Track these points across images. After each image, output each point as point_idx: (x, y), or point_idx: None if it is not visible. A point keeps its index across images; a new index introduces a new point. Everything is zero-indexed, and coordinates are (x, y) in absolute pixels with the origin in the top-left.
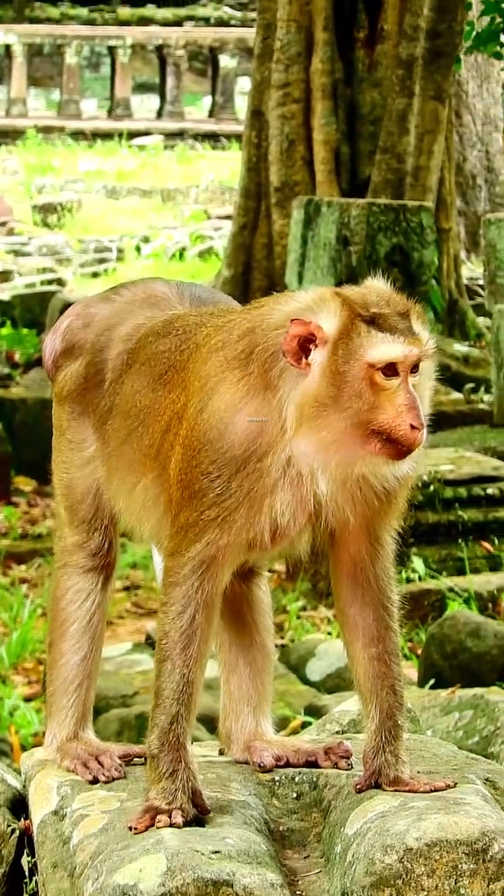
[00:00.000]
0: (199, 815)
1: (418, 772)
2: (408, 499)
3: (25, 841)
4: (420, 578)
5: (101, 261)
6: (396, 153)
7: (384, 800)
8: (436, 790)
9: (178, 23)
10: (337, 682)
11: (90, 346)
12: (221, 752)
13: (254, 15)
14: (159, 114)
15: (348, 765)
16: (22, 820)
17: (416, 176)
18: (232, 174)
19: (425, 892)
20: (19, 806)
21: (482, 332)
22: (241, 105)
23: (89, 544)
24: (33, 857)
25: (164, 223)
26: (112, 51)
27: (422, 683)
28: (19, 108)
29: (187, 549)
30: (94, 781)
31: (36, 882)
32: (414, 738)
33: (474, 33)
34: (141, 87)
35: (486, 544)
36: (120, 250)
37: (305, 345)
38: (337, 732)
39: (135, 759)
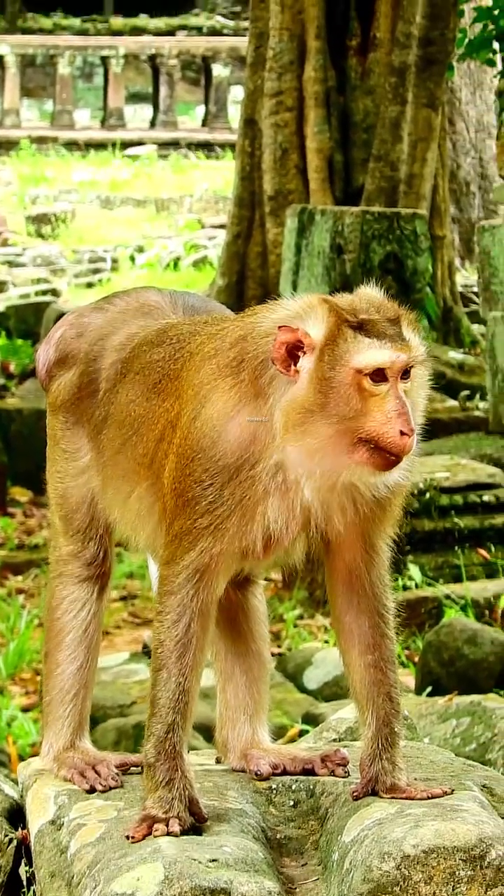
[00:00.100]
0: (196, 824)
1: (415, 779)
2: (403, 506)
3: (23, 851)
4: (416, 586)
5: (96, 271)
6: (390, 161)
7: (381, 807)
8: (433, 797)
9: (170, 32)
10: (334, 691)
11: (84, 356)
12: (218, 761)
13: (246, 24)
14: (152, 123)
15: (345, 772)
16: (19, 830)
17: (409, 183)
18: (226, 183)
19: None
20: (17, 816)
21: (477, 340)
22: (235, 114)
23: (84, 554)
24: (31, 866)
25: (158, 233)
26: (105, 61)
27: (419, 691)
28: (12, 119)
29: (181, 557)
30: (91, 791)
31: (34, 892)
32: (411, 745)
33: (467, 40)
34: (134, 97)
35: (483, 551)
36: (114, 260)
37: (294, 352)
38: (334, 740)
39: (132, 769)
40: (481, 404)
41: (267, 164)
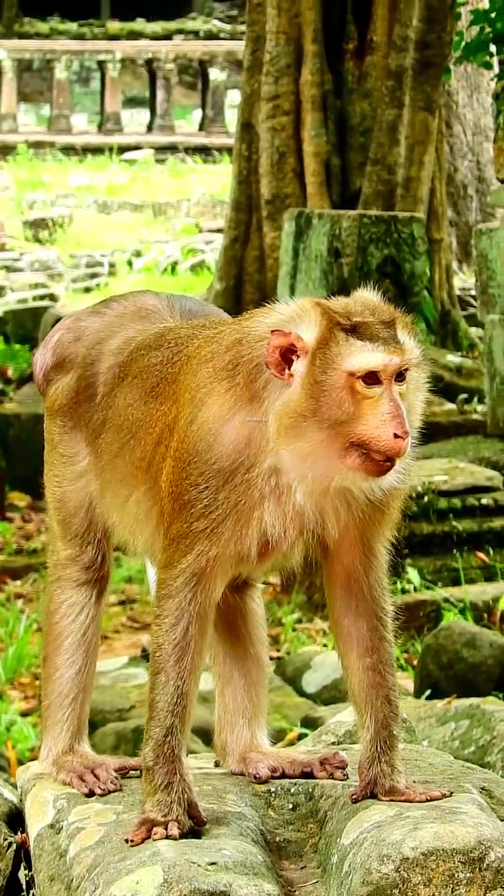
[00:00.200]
0: (195, 827)
1: (414, 781)
2: (401, 509)
3: (22, 854)
4: (415, 589)
5: (93, 275)
6: (387, 164)
7: (380, 810)
8: (432, 799)
9: (167, 36)
10: (333, 694)
11: (81, 360)
12: (217, 764)
13: (243, 28)
14: (149, 128)
15: (344, 775)
16: (18, 833)
17: (406, 187)
18: (223, 187)
19: None
20: (16, 819)
21: (475, 343)
22: (232, 118)
23: (82, 558)
24: (30, 870)
25: (155, 237)
26: (102, 65)
27: (418, 694)
28: (9, 124)
29: (179, 560)
30: (90, 794)
31: (33, 895)
32: (409, 748)
33: (464, 43)
34: (131, 102)
35: (481, 554)
36: (112, 265)
37: (288, 355)
38: (333, 743)
39: (130, 772)
40: (479, 407)
41: (264, 168)
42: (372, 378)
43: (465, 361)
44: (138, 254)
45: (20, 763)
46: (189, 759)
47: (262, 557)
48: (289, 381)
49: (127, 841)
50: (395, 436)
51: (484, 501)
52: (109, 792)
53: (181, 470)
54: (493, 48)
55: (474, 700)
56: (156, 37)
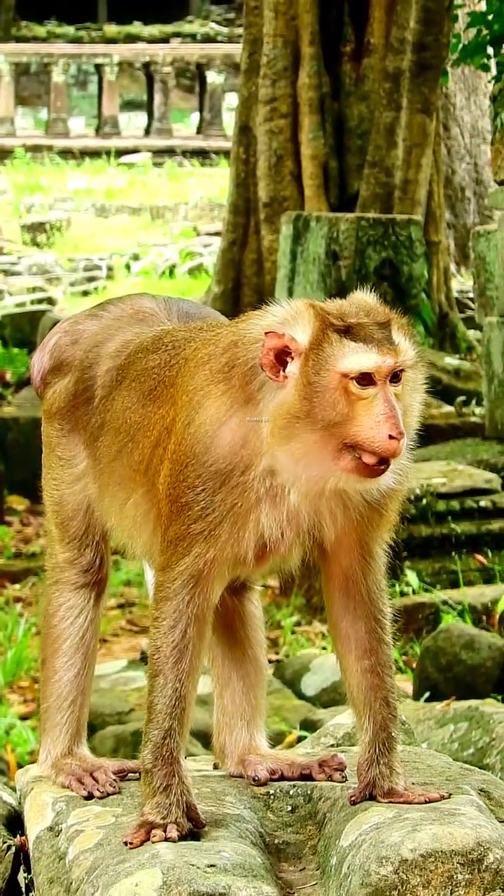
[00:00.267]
0: (194, 829)
1: (413, 783)
2: (399, 512)
3: (21, 857)
4: (414, 592)
5: (91, 279)
6: (385, 167)
7: (379, 811)
8: (430, 801)
9: (164, 40)
10: (332, 697)
11: (79, 363)
12: (216, 767)
13: (240, 31)
14: (147, 131)
15: (342, 777)
16: (18, 836)
17: (404, 189)
18: (221, 190)
19: None
20: (15, 822)
21: (473, 345)
22: (229, 121)
23: (81, 561)
24: (29, 873)
25: (153, 241)
26: (99, 69)
27: (417, 696)
28: (7, 128)
29: (177, 563)
30: (89, 797)
31: None
32: (408, 750)
33: (461, 45)
34: (128, 105)
35: (480, 557)
36: (110, 268)
37: (282, 357)
38: (331, 745)
39: (129, 775)
40: (478, 410)
41: (262, 171)
42: (366, 379)
43: (463, 364)
44: (136, 257)
45: (20, 766)
46: (188, 762)
47: (260, 560)
48: (283, 383)
49: (126, 843)
50: (390, 437)
51: (482, 504)
52: (108, 794)
53: (178, 472)
54: (490, 50)
55: (473, 702)
56: (153, 40)
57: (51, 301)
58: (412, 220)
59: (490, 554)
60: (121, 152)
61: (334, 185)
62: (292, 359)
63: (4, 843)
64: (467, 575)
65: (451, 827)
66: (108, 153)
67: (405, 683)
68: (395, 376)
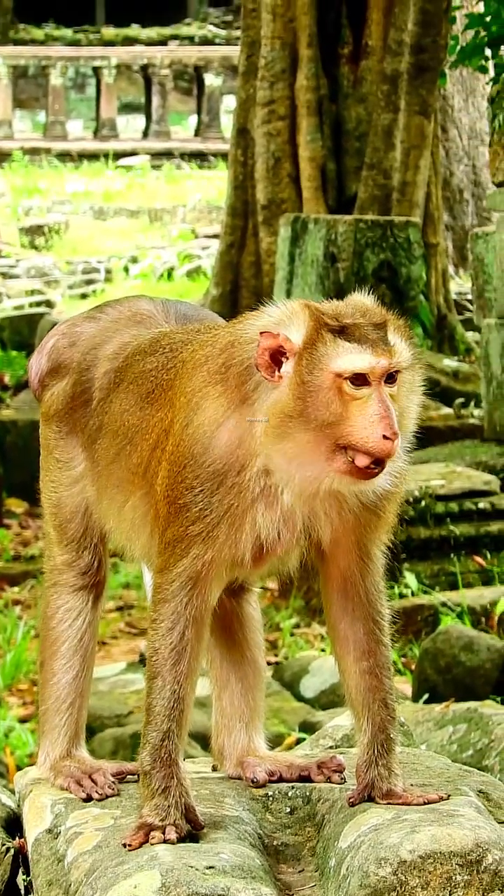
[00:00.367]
0: (192, 831)
1: (411, 784)
2: (397, 513)
3: (20, 859)
4: (413, 594)
5: (90, 282)
6: (383, 169)
7: (378, 813)
8: (429, 802)
9: (162, 42)
10: (331, 699)
11: (76, 365)
12: (215, 769)
13: (238, 33)
14: (145, 134)
15: (341, 779)
16: (17, 839)
17: (402, 191)
18: (219, 193)
19: None
20: (14, 825)
21: (471, 347)
22: (227, 123)
23: (79, 563)
24: (28, 875)
25: (151, 243)
26: (97, 71)
27: (416, 698)
28: (5, 131)
29: (175, 565)
30: (88, 799)
31: None
32: (407, 752)
33: (459, 47)
34: (126, 108)
35: (479, 559)
36: (108, 271)
37: (277, 357)
38: (330, 747)
39: (128, 777)
40: (476, 412)
41: (260, 174)
42: (360, 380)
43: (461, 366)
44: (134, 260)
45: (19, 769)
46: (187, 764)
47: (258, 561)
48: (278, 383)
49: (125, 845)
50: (384, 437)
51: (481, 505)
52: (107, 796)
53: (176, 474)
54: (488, 52)
55: (472, 704)
56: (151, 42)
57: (49, 304)
58: (410, 221)
59: (489, 556)
60: (119, 155)
61: (332, 187)
62: (287, 359)
63: (3, 845)
64: (466, 577)
65: (450, 828)
66: (106, 156)
67: (404, 685)
68: (391, 377)
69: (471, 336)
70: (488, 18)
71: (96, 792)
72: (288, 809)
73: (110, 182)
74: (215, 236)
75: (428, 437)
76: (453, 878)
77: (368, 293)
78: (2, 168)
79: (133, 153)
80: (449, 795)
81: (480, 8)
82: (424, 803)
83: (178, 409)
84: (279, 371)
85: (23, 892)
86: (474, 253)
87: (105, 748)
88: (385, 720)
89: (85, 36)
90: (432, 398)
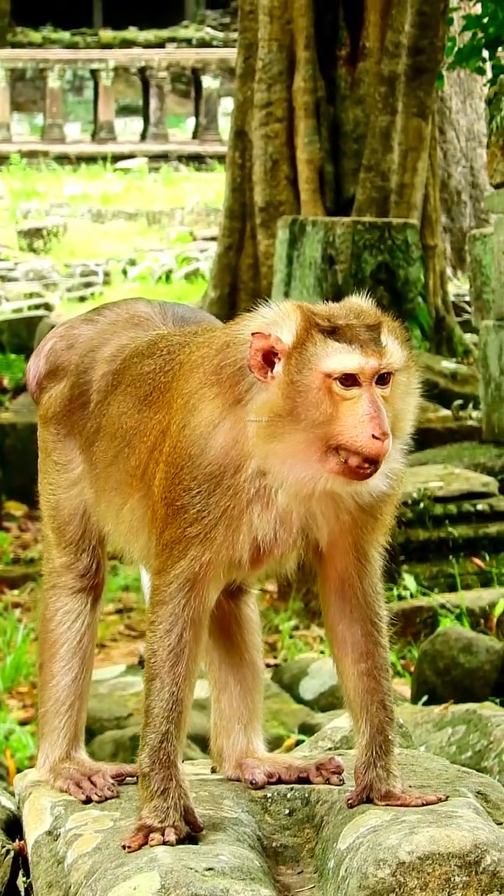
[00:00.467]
0: (192, 833)
1: (410, 786)
2: (394, 515)
3: (20, 861)
4: (412, 595)
5: (88, 285)
6: (380, 171)
7: (376, 814)
8: (427, 804)
9: (160, 44)
10: (330, 701)
11: (74, 368)
12: (214, 770)
13: (235, 35)
14: (143, 136)
15: (340, 780)
16: (16, 841)
17: (400, 193)
18: (217, 195)
19: None
20: (14, 827)
21: (469, 349)
22: (225, 126)
23: (77, 565)
24: (28, 877)
25: (149, 246)
26: (95, 74)
27: (415, 700)
28: (3, 134)
29: (172, 566)
30: (88, 801)
31: None
32: (405, 753)
33: (456, 49)
34: (124, 110)
35: (477, 560)
36: (106, 274)
37: (270, 358)
38: (329, 749)
39: (127, 779)
40: (474, 413)
41: (257, 176)
42: (350, 380)
43: (459, 367)
44: (133, 262)
45: (19, 772)
46: (186, 766)
47: (256, 562)
48: (270, 383)
49: (124, 847)
50: (374, 436)
51: (480, 507)
52: (106, 798)
53: (174, 475)
54: (485, 53)
55: (471, 705)
56: (149, 45)
57: (48, 307)
58: (408, 223)
59: (487, 557)
60: (117, 158)
61: (330, 189)
62: (279, 359)
63: (3, 847)
64: (465, 578)
65: (449, 829)
66: (104, 158)
67: (403, 687)
68: (383, 378)
69: (469, 338)
70: (486, 20)
71: (96, 794)
72: (287, 811)
73: (108, 185)
74: (213, 239)
75: (426, 438)
76: (452, 879)
77: (366, 295)
78: (0, 171)
79: (131, 156)
80: (447, 797)
81: (478, 9)
82: (423, 804)
83: (175, 411)
84: (272, 372)
85: (23, 893)
86: (472, 255)
87: (105, 751)
88: (383, 722)
89: (82, 38)
90: (430, 400)
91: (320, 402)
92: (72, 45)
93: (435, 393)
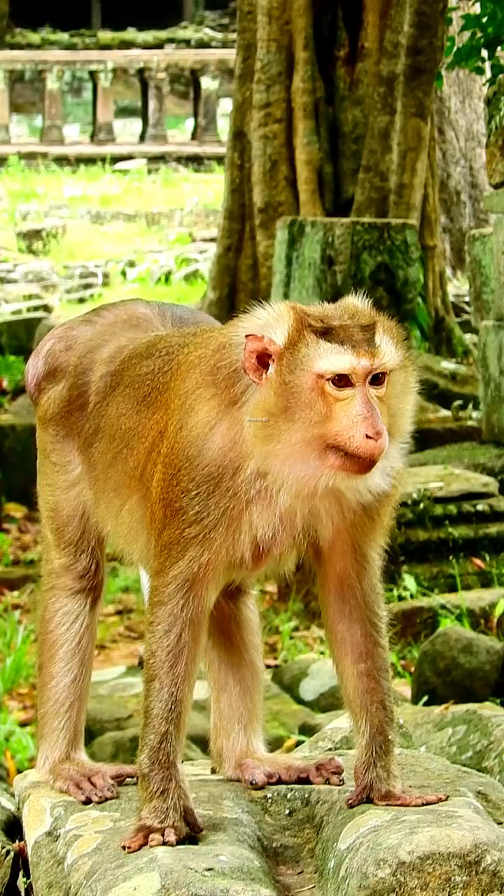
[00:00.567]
0: (191, 833)
1: (410, 786)
2: (393, 516)
3: (20, 862)
4: (412, 596)
5: (87, 286)
6: (379, 171)
7: (376, 814)
8: (427, 804)
9: (158, 45)
10: (331, 701)
11: (73, 369)
12: (213, 771)
13: (234, 36)
14: (142, 137)
15: (340, 780)
16: (17, 841)
17: (399, 194)
18: (216, 196)
19: None
20: (14, 828)
21: (469, 349)
22: (224, 127)
23: (76, 566)
24: (28, 878)
25: (149, 247)
26: (93, 75)
27: (415, 700)
28: (2, 135)
29: (171, 567)
30: (87, 802)
31: None
32: (405, 753)
33: (455, 49)
34: (123, 112)
35: (477, 561)
36: (105, 275)
37: (264, 359)
38: (329, 749)
39: (127, 779)
40: (474, 414)
41: (256, 177)
42: (343, 381)
43: (459, 368)
44: (132, 264)
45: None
46: (186, 766)
47: (256, 563)
48: (265, 385)
49: (124, 847)
50: (367, 436)
51: (479, 508)
52: (106, 799)
53: (172, 476)
54: (484, 53)
55: (471, 705)
56: (147, 46)
57: (47, 308)
58: (407, 224)
59: (488, 558)
60: (116, 159)
61: (329, 189)
62: (273, 360)
63: (3, 847)
64: (465, 579)
65: (449, 829)
66: (103, 160)
67: (404, 687)
68: (377, 378)
69: (468, 338)
70: (484, 19)
71: (95, 794)
72: (287, 811)
73: (107, 186)
74: (212, 240)
75: (426, 439)
76: (452, 878)
77: (365, 296)
78: None
79: (130, 157)
80: (447, 796)
81: (477, 9)
82: (423, 804)
83: (173, 412)
84: (266, 373)
85: (23, 894)
86: (471, 255)
87: (105, 752)
88: (383, 722)
89: (81, 40)
90: (430, 400)
91: (314, 402)
92: (70, 47)
93: (435, 393)
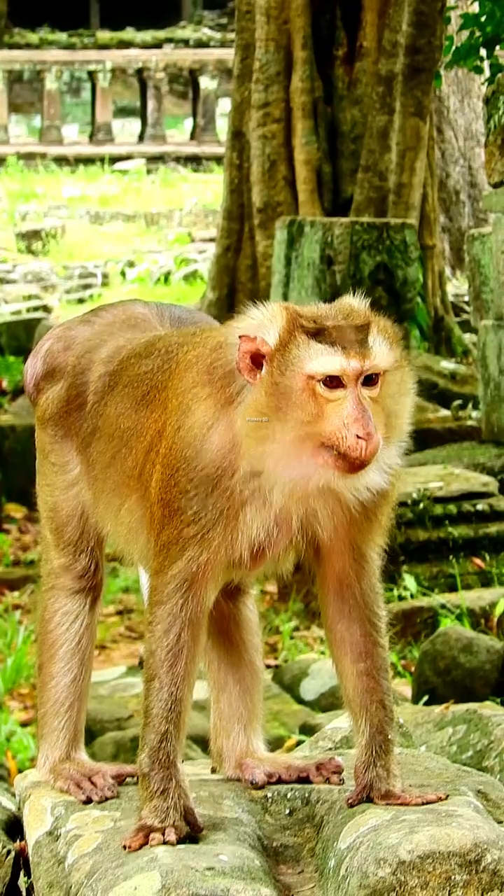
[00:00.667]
0: (192, 833)
1: (410, 785)
2: (391, 516)
3: (21, 862)
4: (412, 596)
5: (87, 286)
6: (378, 171)
7: (376, 813)
8: (427, 803)
9: (157, 45)
10: (331, 701)
11: (71, 369)
12: (214, 771)
13: (233, 36)
14: (141, 137)
15: (340, 780)
16: (17, 841)
17: (398, 193)
18: (215, 196)
19: None
20: (15, 827)
21: (468, 349)
22: (223, 126)
23: (76, 566)
24: (29, 877)
25: (148, 247)
26: (92, 75)
27: (415, 700)
28: (1, 136)
29: (170, 567)
30: (88, 801)
31: None
32: (405, 752)
33: (454, 48)
34: (122, 112)
35: (477, 560)
36: (105, 275)
37: (258, 359)
38: (329, 749)
39: (127, 779)
40: (474, 413)
41: (255, 177)
42: (334, 381)
43: (459, 367)
44: (131, 264)
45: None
46: (186, 766)
47: (255, 562)
48: (257, 385)
49: (124, 847)
50: (358, 437)
51: (479, 507)
52: (106, 799)
53: (170, 476)
54: (483, 52)
55: (472, 705)
56: (146, 46)
57: (46, 309)
58: (406, 224)
59: (487, 557)
60: (115, 159)
61: (328, 189)
62: (266, 361)
63: (4, 847)
64: (465, 578)
65: (449, 828)
66: (101, 160)
67: (404, 687)
68: (371, 379)
69: (468, 338)
70: (483, 19)
71: (96, 794)
72: (287, 811)
73: (106, 186)
74: (212, 240)
75: (425, 439)
76: (452, 877)
77: (364, 296)
78: None
79: (129, 157)
80: (447, 796)
81: (475, 8)
82: (423, 804)
83: (171, 412)
84: (260, 373)
85: (24, 894)
86: (471, 254)
87: (105, 752)
88: (383, 721)
89: (80, 40)
90: (430, 400)
91: (305, 403)
92: (69, 46)
93: (434, 393)
